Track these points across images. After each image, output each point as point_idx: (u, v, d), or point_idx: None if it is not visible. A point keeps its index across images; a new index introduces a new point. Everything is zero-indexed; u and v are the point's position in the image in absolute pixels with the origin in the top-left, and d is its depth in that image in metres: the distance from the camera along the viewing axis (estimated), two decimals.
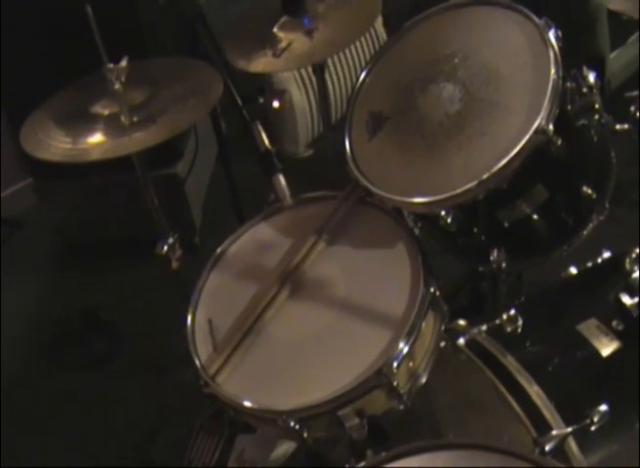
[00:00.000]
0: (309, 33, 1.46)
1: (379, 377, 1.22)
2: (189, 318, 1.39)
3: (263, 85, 2.72)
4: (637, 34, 2.61)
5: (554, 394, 1.30)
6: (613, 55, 2.53)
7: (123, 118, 1.45)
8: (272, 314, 1.35)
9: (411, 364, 1.27)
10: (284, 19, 1.50)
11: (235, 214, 2.19)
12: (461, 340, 1.39)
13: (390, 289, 1.31)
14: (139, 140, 1.42)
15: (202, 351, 1.35)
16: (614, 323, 1.39)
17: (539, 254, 1.41)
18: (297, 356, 1.30)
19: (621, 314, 1.39)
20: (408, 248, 1.35)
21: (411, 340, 1.24)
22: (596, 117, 1.29)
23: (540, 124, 1.19)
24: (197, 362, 1.33)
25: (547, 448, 1.24)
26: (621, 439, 1.30)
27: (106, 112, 1.48)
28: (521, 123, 1.22)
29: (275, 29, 1.49)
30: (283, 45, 1.44)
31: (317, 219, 1.44)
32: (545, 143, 1.20)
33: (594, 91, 1.24)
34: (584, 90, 1.25)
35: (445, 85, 1.32)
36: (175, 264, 1.70)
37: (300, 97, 2.77)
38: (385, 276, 1.34)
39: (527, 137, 1.20)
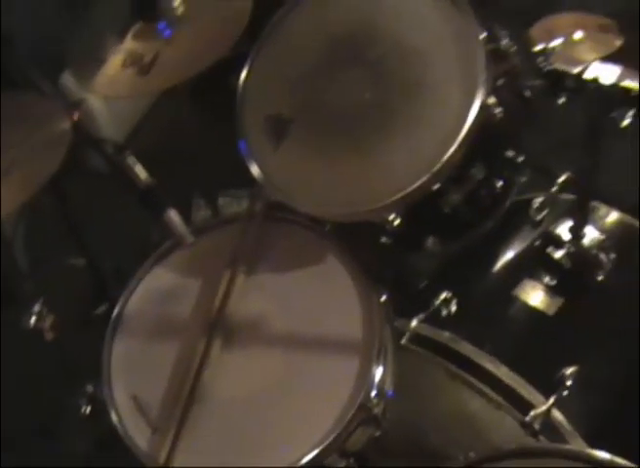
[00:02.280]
0: (171, 40, 1.20)
1: (361, 413, 1.09)
2: (109, 401, 1.17)
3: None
4: None
5: (518, 368, 1.25)
6: None
7: None
8: (211, 373, 1.16)
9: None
10: (137, 25, 1.23)
11: None
12: (404, 340, 1.29)
13: (337, 310, 1.18)
14: None
15: (138, 437, 1.14)
16: (546, 279, 1.37)
17: (471, 232, 1.33)
18: (255, 415, 1.13)
19: (551, 269, 1.37)
20: (340, 259, 1.21)
21: (381, 362, 1.12)
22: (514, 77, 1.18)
23: (483, 98, 1.07)
24: (139, 452, 1.12)
25: (537, 426, 1.18)
26: (596, 392, 1.28)
27: None
28: (459, 100, 1.09)
29: (129, 41, 1.22)
30: (147, 59, 1.17)
31: (223, 250, 1.25)
32: (488, 117, 1.09)
33: (511, 50, 1.14)
34: (502, 48, 1.14)
35: (351, 70, 1.16)
36: (49, 335, 1.45)
37: (98, 103, 2.49)
38: (326, 297, 1.20)
39: (473, 115, 1.07)
